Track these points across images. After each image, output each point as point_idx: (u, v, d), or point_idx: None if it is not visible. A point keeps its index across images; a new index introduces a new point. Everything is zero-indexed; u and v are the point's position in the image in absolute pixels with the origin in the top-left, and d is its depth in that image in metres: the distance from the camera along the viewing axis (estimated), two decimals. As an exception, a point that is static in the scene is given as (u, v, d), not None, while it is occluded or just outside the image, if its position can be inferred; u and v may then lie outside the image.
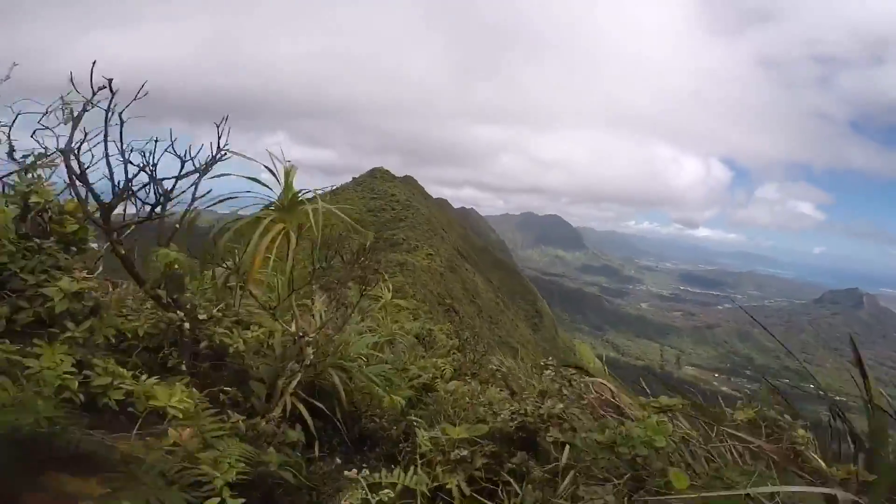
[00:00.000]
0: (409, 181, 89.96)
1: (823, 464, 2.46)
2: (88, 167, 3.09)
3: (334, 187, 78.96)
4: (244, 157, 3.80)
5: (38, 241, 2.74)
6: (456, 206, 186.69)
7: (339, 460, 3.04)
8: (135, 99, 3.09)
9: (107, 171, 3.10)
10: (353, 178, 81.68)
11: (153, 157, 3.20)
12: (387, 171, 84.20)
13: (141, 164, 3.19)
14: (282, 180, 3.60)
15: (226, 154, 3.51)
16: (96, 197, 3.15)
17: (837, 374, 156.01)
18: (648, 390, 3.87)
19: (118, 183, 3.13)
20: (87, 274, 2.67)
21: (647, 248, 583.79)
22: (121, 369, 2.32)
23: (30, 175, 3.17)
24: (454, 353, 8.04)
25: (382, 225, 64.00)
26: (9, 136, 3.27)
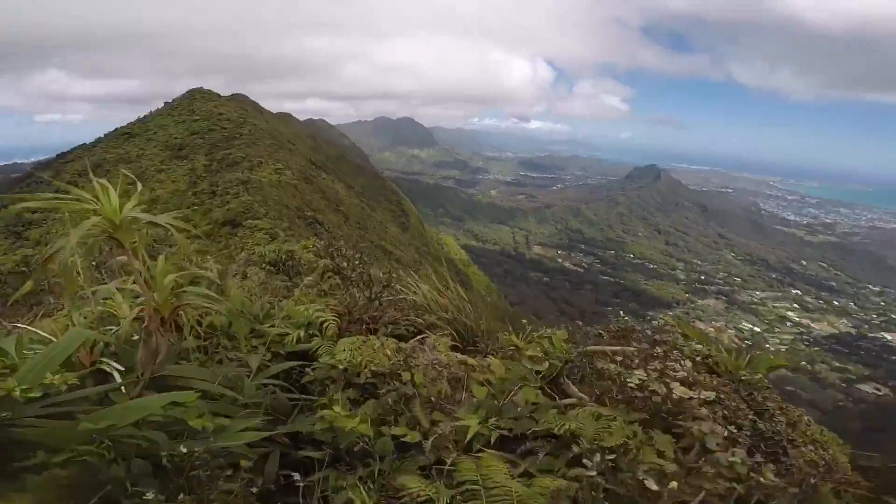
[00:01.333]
0: (239, 98, 78.52)
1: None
2: None
3: (142, 116, 65.87)
4: None
5: None
6: (302, 118, 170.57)
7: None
8: None
9: None
10: (165, 103, 68.40)
11: None
12: (209, 90, 71.64)
13: None
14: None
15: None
16: None
17: (648, 242, 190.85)
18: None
19: None
20: None
21: (490, 142, 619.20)
22: None
23: None
24: (329, 278, 6.39)
25: (213, 146, 55.56)
26: None
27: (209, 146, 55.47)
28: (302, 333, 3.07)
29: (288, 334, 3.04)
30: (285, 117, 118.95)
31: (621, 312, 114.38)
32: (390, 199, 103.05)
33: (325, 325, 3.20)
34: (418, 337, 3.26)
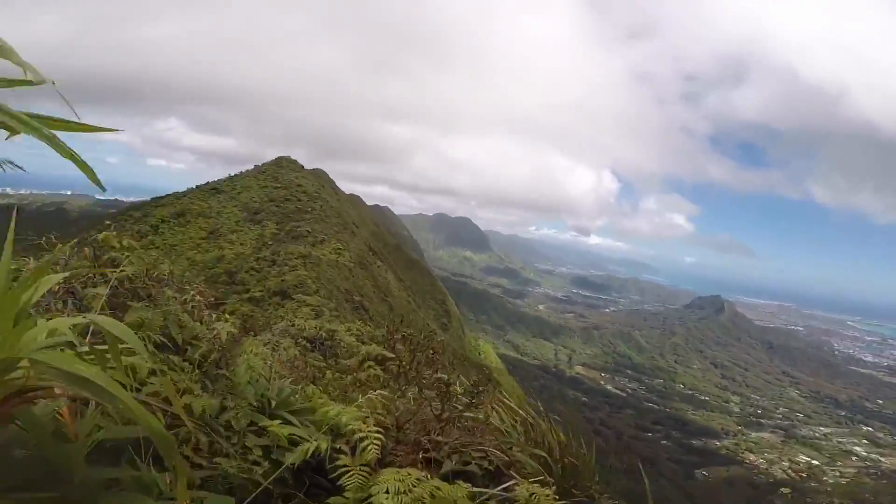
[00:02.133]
0: (318, 174, 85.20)
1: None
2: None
3: (232, 175, 72.14)
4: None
5: None
6: (369, 203, 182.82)
7: None
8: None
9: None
10: (256, 166, 74.70)
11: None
12: (294, 160, 78.21)
13: None
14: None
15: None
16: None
17: (702, 374, 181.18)
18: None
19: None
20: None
21: (546, 253, 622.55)
22: None
23: None
24: (372, 369, 5.53)
25: (285, 216, 59.30)
26: None
27: (282, 215, 59.05)
28: (324, 445, 2.02)
29: (304, 441, 2.05)
30: (355, 199, 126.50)
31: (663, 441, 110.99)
32: (436, 297, 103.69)
33: (361, 441, 2.08)
34: (502, 486, 2.05)
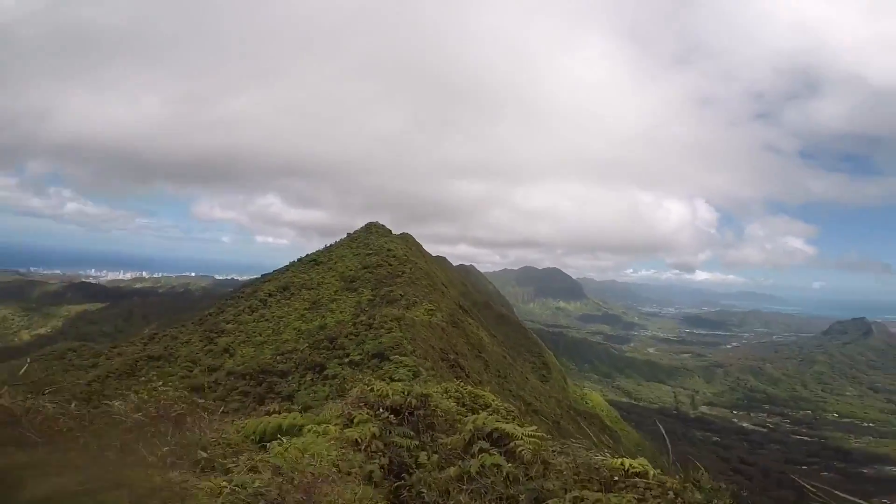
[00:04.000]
0: (406, 237, 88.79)
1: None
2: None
3: (328, 246, 77.54)
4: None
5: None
6: (454, 262, 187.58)
7: None
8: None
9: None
10: (348, 234, 79.56)
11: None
12: (382, 225, 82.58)
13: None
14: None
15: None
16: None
17: (859, 401, 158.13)
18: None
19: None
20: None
21: (649, 295, 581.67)
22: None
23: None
24: (487, 454, 3.99)
25: (379, 281, 61.88)
26: None
27: (376, 281, 61.68)
28: None
29: None
30: (441, 260, 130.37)
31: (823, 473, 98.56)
32: (532, 350, 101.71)
33: None
34: None
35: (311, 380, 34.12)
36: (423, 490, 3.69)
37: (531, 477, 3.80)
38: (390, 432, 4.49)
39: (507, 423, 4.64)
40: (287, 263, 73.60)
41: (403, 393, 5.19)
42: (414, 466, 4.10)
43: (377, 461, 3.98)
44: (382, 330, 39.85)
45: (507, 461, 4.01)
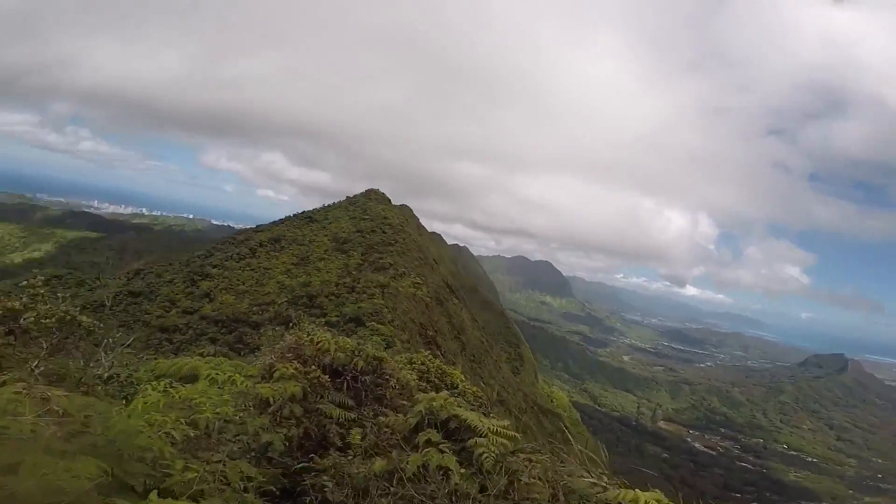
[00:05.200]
0: (404, 209, 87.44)
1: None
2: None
3: (327, 206, 76.07)
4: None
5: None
6: (449, 242, 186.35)
7: None
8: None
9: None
10: (348, 197, 78.13)
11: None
12: (382, 193, 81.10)
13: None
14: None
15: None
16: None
17: (812, 435, 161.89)
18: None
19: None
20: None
21: (635, 303, 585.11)
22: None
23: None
24: (434, 450, 3.23)
25: (370, 247, 60.81)
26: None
27: (367, 246, 60.52)
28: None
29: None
30: (436, 237, 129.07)
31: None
32: (510, 341, 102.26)
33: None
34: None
35: (281, 336, 33.18)
36: (328, 483, 2.74)
37: (489, 494, 2.73)
38: (321, 397, 3.57)
39: (470, 410, 3.67)
40: (282, 217, 72.12)
41: (351, 351, 4.17)
42: (340, 446, 3.24)
43: (284, 430, 3.06)
44: (364, 295, 39.11)
45: (461, 464, 2.97)
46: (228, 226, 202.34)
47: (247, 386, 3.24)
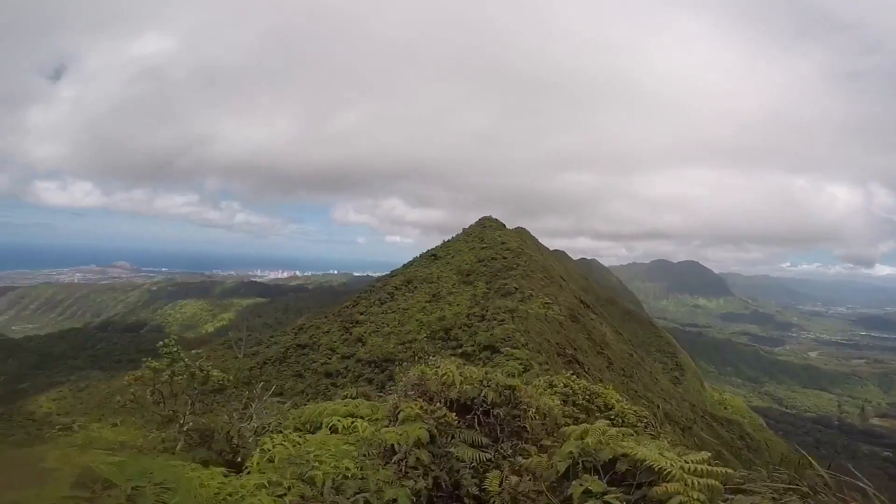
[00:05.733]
0: (521, 232, 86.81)
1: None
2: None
3: (446, 241, 78.93)
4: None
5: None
6: (575, 257, 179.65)
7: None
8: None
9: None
10: (463, 230, 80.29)
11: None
12: (496, 219, 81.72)
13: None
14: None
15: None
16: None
17: None
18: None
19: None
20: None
21: (812, 292, 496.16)
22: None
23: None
24: None
25: (493, 275, 61.11)
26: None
27: (490, 274, 61.13)
28: None
29: None
30: (560, 254, 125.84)
31: None
32: (664, 350, 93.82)
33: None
34: None
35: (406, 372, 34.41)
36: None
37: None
38: (452, 437, 3.19)
39: (639, 440, 2.79)
40: (410, 259, 77.10)
41: (479, 381, 3.71)
42: (475, 494, 2.72)
43: (411, 482, 2.62)
44: (495, 321, 38.91)
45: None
46: (367, 275, 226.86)
47: (370, 432, 3.01)
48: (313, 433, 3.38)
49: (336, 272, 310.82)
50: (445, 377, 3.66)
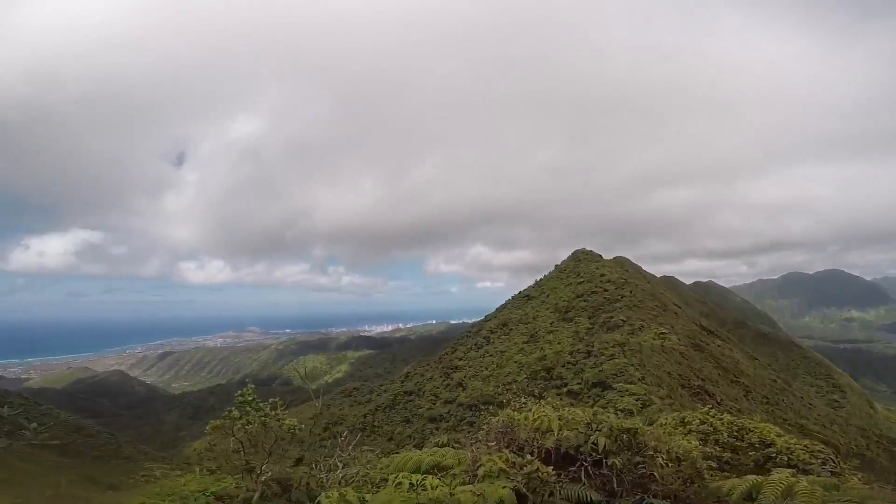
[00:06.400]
0: (621, 261, 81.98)
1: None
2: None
3: (539, 280, 77.05)
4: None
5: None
6: (687, 281, 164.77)
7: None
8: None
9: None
10: (556, 266, 78.07)
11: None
12: (591, 251, 78.24)
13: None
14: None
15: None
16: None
17: None
18: None
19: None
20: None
21: None
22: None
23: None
24: None
25: (595, 309, 57.84)
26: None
27: (592, 309, 58.10)
28: None
29: None
30: (669, 280, 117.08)
31: None
32: (814, 371, 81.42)
33: None
34: None
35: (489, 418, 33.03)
36: None
37: None
38: (550, 494, 2.44)
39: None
40: (503, 302, 76.68)
41: (585, 425, 2.96)
42: None
43: None
44: (603, 357, 36.16)
45: None
46: (463, 322, 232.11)
47: (441, 492, 2.44)
48: (379, 488, 2.97)
49: (434, 322, 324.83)
50: (539, 423, 2.98)
